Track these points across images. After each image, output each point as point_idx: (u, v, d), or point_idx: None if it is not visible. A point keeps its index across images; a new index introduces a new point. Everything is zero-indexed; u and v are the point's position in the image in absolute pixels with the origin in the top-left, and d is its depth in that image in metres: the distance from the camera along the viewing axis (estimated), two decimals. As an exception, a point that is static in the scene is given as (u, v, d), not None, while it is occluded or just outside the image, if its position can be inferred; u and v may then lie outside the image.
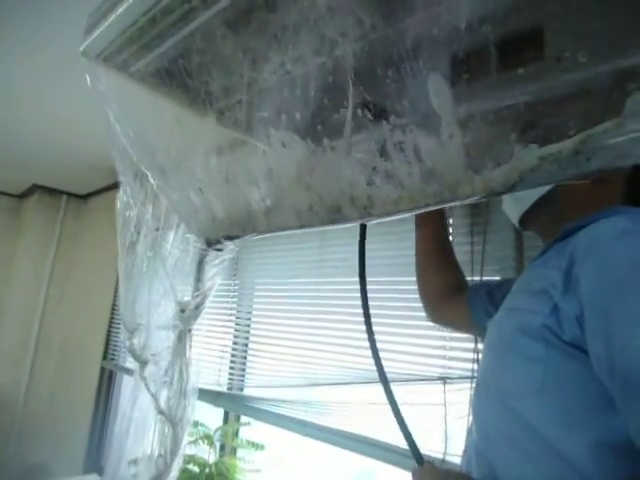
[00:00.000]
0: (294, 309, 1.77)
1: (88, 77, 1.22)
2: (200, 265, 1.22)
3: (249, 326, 2.01)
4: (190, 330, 1.20)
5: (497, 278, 1.24)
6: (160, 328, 1.18)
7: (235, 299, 2.12)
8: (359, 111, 0.82)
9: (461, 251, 1.23)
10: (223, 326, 2.07)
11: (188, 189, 1.21)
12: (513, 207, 0.88)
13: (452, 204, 0.89)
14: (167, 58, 1.06)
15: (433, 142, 0.73)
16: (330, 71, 0.85)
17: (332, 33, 0.84)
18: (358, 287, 0.97)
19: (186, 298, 1.22)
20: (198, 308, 1.20)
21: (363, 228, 1.03)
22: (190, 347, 1.18)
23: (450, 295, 1.03)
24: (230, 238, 1.17)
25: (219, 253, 1.24)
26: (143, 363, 1.14)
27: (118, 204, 1.16)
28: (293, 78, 0.90)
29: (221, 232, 1.17)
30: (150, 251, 1.21)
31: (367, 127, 0.82)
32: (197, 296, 1.20)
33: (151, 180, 1.21)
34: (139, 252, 1.20)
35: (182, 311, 1.18)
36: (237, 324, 2.05)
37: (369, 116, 0.78)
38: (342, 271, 1.60)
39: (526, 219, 0.86)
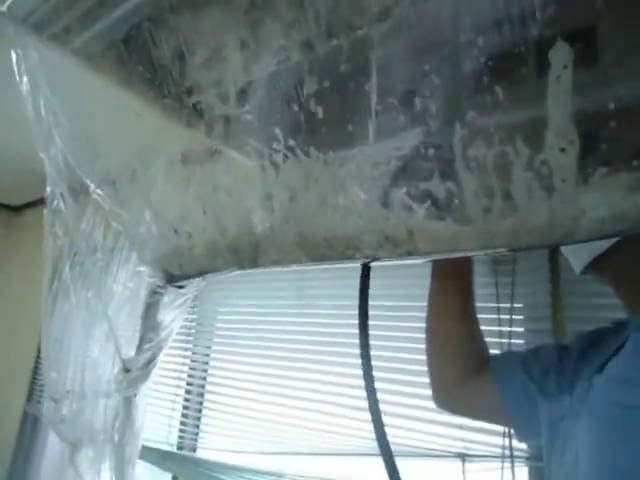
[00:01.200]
0: (265, 354, 1.48)
1: (13, 53, 0.91)
2: (153, 307, 0.92)
3: (206, 371, 1.70)
4: (136, 395, 0.89)
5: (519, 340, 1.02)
6: (98, 395, 0.86)
7: (190, 336, 1.81)
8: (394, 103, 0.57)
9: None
10: (174, 369, 1.75)
11: (144, 207, 0.91)
12: (578, 247, 0.68)
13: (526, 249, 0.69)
14: (124, 29, 0.77)
15: (529, 159, 0.48)
16: (347, 52, 0.60)
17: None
18: (352, 332, 0.85)
19: (133, 352, 0.91)
20: (148, 366, 0.90)
21: (366, 267, 0.79)
22: (140, 422, 0.87)
23: (471, 373, 0.79)
24: (200, 273, 0.88)
25: (180, 291, 0.95)
26: (74, 446, 0.83)
27: (45, 224, 0.85)
28: (295, 65, 0.64)
29: (188, 265, 0.88)
30: (86, 287, 0.90)
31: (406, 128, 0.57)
32: (148, 349, 0.90)
33: (94, 194, 0.90)
34: (71, 288, 0.89)
35: (127, 370, 0.87)
36: (192, 368, 1.73)
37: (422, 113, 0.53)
38: (330, 310, 1.33)
39: (598, 265, 0.66)
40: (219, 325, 1.76)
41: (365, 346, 0.76)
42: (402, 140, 0.58)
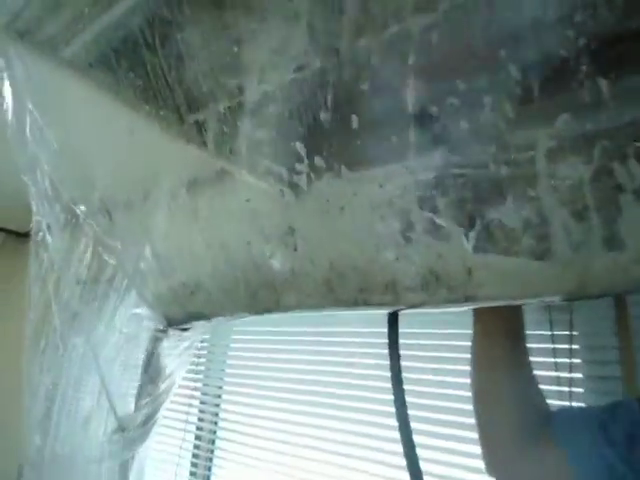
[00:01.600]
0: (284, 397, 1.33)
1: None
2: (152, 355, 0.79)
3: (217, 415, 1.55)
4: (134, 458, 0.75)
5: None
6: (90, 461, 0.72)
7: (200, 374, 1.66)
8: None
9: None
10: (181, 410, 1.60)
11: (143, 240, 0.79)
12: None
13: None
14: (117, 36, 0.66)
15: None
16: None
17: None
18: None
19: (130, 408, 0.78)
20: (147, 423, 0.77)
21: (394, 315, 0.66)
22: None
23: (529, 435, 0.65)
24: (207, 317, 0.75)
25: (184, 334, 0.82)
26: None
27: (30, 260, 0.73)
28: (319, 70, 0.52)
29: (193, 307, 0.75)
30: (75, 332, 0.78)
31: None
32: (147, 404, 0.77)
33: (85, 224, 0.79)
34: (58, 334, 0.77)
35: (123, 430, 0.74)
36: (201, 411, 1.58)
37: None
38: (351, 348, 1.18)
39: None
40: (231, 362, 1.60)
41: (401, 407, 0.62)
42: (458, 152, 0.46)
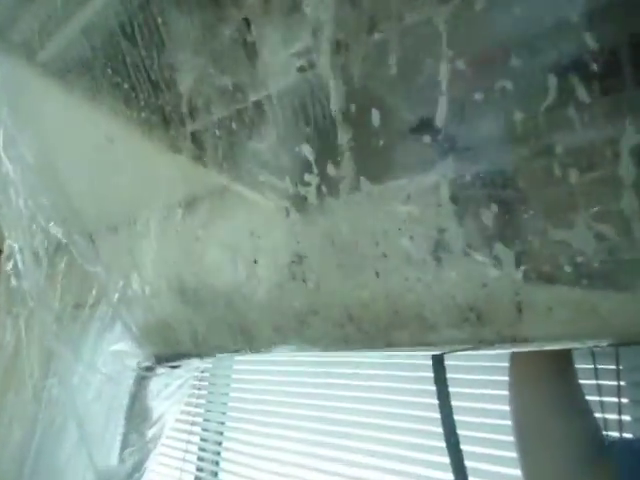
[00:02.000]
0: (295, 436, 1.19)
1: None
2: (138, 397, 0.69)
3: (219, 454, 1.42)
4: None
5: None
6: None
7: (200, 407, 1.53)
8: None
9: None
10: (178, 447, 1.47)
11: (130, 267, 0.70)
12: None
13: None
14: (96, 33, 0.58)
15: None
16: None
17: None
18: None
19: (113, 460, 0.67)
20: (133, 476, 0.66)
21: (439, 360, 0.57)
22: None
23: (585, 465, 0.55)
24: (197, 355, 0.65)
25: (175, 372, 0.71)
26: None
27: (0, 291, 0.64)
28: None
29: (186, 341, 0.65)
30: (48, 372, 0.68)
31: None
32: (132, 454, 0.66)
33: (64, 249, 0.70)
34: (27, 374, 0.67)
35: (103, 486, 0.63)
36: (201, 449, 1.46)
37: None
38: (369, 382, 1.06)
39: None
40: (233, 395, 1.47)
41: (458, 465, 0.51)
42: (501, 156, 0.36)
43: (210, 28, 0.50)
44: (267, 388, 1.29)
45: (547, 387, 0.59)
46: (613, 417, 0.73)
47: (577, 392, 0.60)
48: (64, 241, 0.69)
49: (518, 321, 0.40)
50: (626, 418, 0.77)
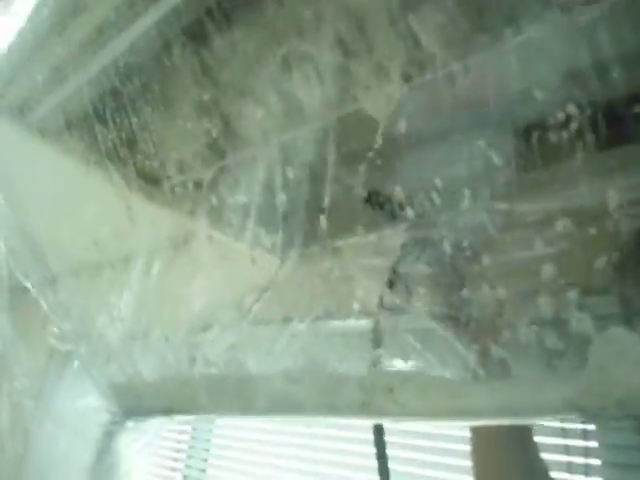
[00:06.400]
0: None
1: None
2: (104, 453, 0.65)
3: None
4: None
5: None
6: None
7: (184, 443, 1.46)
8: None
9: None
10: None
11: (100, 317, 0.67)
12: None
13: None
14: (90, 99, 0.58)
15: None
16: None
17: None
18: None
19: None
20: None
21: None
22: None
23: None
24: (167, 412, 0.62)
25: (143, 426, 0.68)
26: None
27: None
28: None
29: (152, 399, 0.62)
30: (8, 427, 0.64)
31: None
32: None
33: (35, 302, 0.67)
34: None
35: None
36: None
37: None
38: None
39: None
40: (217, 441, 1.41)
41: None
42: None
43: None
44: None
45: (507, 455, 0.58)
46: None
47: (535, 458, 0.59)
48: (34, 291, 0.67)
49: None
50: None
